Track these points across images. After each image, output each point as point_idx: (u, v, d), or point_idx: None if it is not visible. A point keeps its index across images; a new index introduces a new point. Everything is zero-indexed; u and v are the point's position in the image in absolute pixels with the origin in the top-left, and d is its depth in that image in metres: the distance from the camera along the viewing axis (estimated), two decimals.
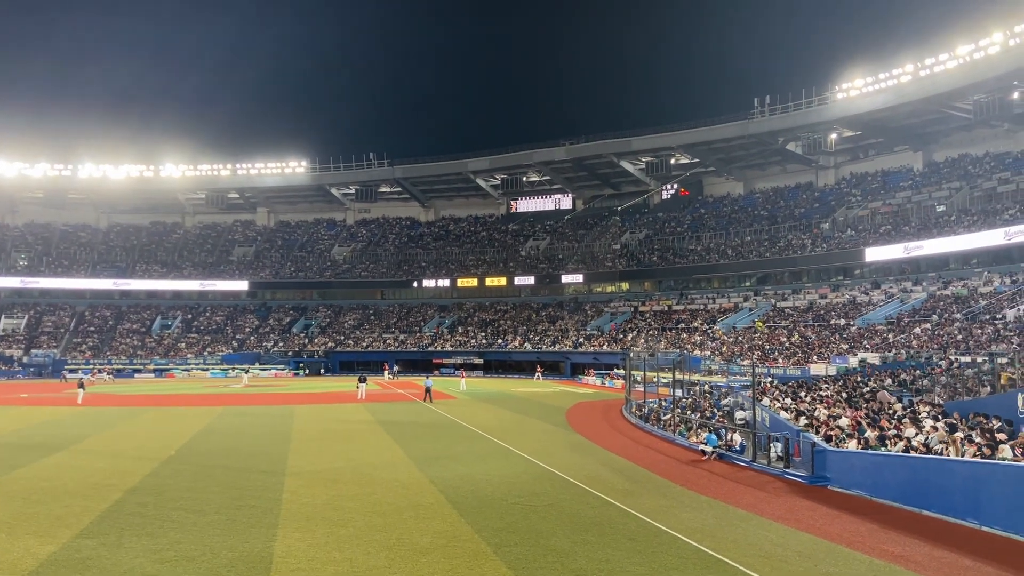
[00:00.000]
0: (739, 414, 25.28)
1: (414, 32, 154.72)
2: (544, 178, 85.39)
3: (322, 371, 71.91)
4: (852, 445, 17.49)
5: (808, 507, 15.06)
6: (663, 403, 30.49)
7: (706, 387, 35.19)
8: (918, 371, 29.85)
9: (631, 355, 39.57)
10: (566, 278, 76.04)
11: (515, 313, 77.22)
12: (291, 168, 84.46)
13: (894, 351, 39.24)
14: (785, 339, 50.49)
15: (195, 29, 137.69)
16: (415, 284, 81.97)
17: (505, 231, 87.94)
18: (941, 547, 11.93)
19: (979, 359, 30.15)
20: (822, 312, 54.39)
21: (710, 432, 22.35)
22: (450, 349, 72.37)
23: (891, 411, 21.04)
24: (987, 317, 41.33)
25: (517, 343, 70.12)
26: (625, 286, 75.37)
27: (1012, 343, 34.16)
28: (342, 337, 76.85)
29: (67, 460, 20.34)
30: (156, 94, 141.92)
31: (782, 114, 63.50)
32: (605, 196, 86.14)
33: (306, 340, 77.52)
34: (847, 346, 44.05)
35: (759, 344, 50.86)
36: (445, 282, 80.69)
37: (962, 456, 14.53)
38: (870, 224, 59.26)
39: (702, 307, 65.74)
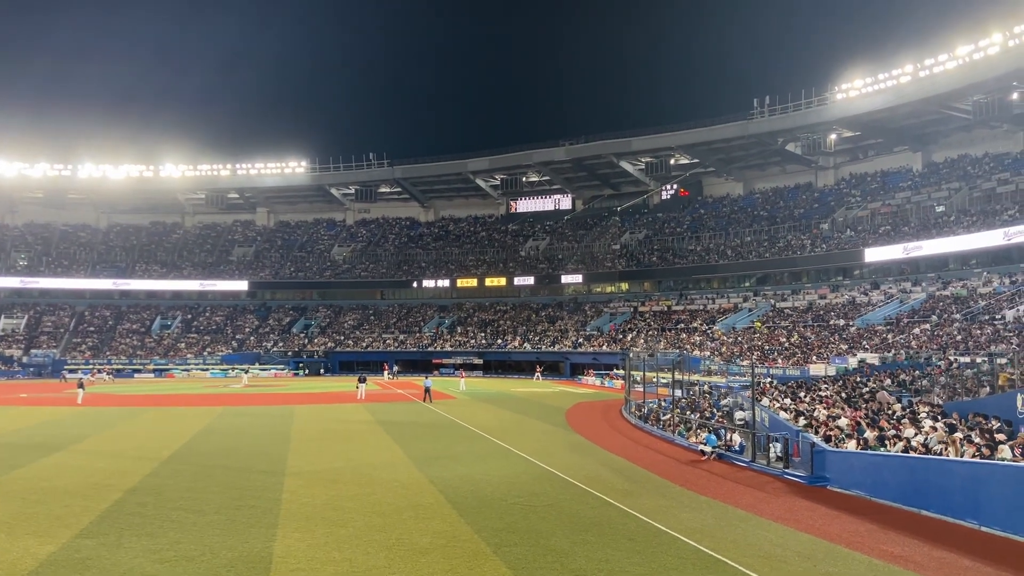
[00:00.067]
0: (738, 414, 25.30)
1: (414, 32, 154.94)
2: (544, 178, 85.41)
3: (322, 371, 71.91)
4: (851, 445, 17.50)
5: (807, 507, 15.06)
6: (662, 403, 30.48)
7: (705, 387, 35.21)
8: (917, 371, 29.86)
9: (631, 355, 39.60)
10: (566, 278, 76.07)
11: (515, 313, 77.24)
12: (291, 168, 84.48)
13: (893, 351, 39.25)
14: (784, 339, 50.51)
15: (195, 29, 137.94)
16: (415, 284, 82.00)
17: (505, 231, 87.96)
18: (940, 547, 11.94)
19: (978, 359, 30.15)
20: (821, 312, 54.41)
21: (709, 432, 22.36)
22: (450, 349, 72.38)
23: (890, 411, 21.06)
24: (986, 317, 41.36)
25: (517, 343, 70.13)
26: (625, 286, 75.39)
27: (1011, 343, 34.18)
28: (342, 337, 76.85)
29: (67, 460, 20.33)
30: (156, 94, 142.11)
31: (782, 114, 63.54)
32: (605, 196, 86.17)
33: (306, 340, 77.52)
34: (846, 346, 44.07)
35: (758, 344, 50.88)
36: (445, 282, 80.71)
37: (961, 456, 14.54)
38: (869, 225, 59.29)
39: (702, 307, 65.75)
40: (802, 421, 21.00)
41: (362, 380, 43.67)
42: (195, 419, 31.26)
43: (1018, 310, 39.93)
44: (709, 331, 58.62)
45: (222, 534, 12.41)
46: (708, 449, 21.21)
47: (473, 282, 79.59)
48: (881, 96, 56.92)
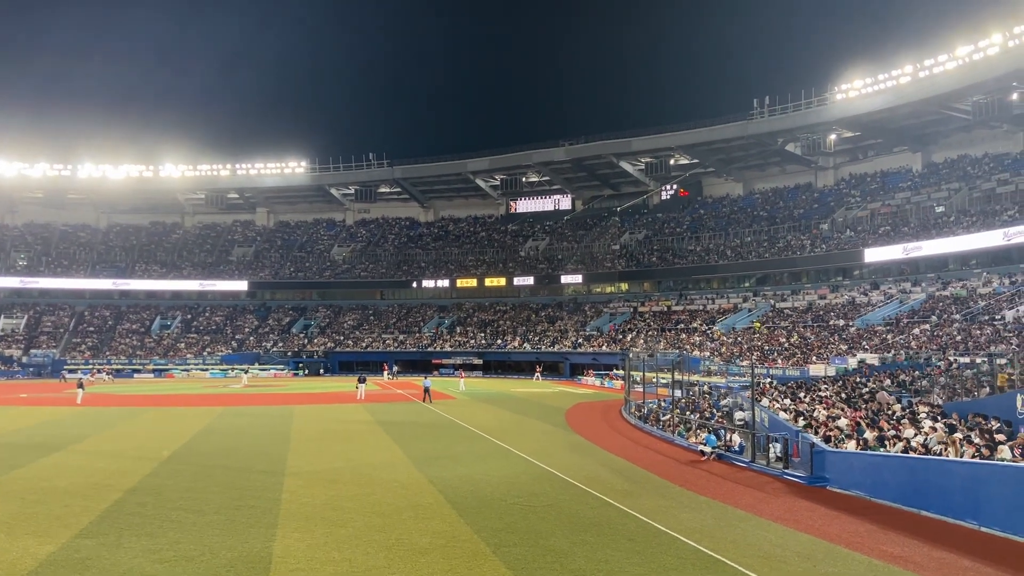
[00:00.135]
0: (738, 414, 25.31)
1: (414, 32, 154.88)
2: (544, 179, 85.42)
3: (321, 371, 71.89)
4: (851, 446, 17.51)
5: (807, 507, 15.06)
6: (662, 404, 30.49)
7: (705, 388, 35.20)
8: (917, 372, 29.86)
9: (630, 355, 39.61)
10: (565, 278, 76.08)
11: (514, 313, 77.23)
12: (291, 168, 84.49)
13: (893, 352, 39.26)
14: (784, 340, 50.51)
15: (195, 29, 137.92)
16: (414, 284, 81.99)
17: (504, 231, 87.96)
18: (940, 548, 11.94)
19: (978, 360, 30.16)
20: (821, 313, 54.41)
21: (709, 432, 22.36)
22: (449, 349, 72.38)
23: (890, 412, 21.06)
24: (986, 318, 41.37)
25: (516, 343, 70.13)
26: (624, 287, 75.39)
27: (1011, 344, 34.20)
28: (341, 337, 76.85)
29: (66, 460, 20.33)
30: (156, 94, 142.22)
31: (781, 115, 63.56)
32: (604, 197, 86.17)
33: (305, 340, 77.52)
34: (846, 347, 44.07)
35: (758, 345, 50.88)
36: (444, 282, 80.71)
37: (961, 457, 14.54)
38: (869, 225, 59.31)
39: (701, 308, 65.76)
40: (802, 421, 21.00)
41: (362, 380, 43.67)
42: (195, 419, 31.25)
43: (1018, 310, 39.94)
44: (709, 331, 58.63)
45: (222, 534, 12.41)
46: (708, 449, 21.22)
47: (473, 282, 79.60)
48: (881, 96, 56.94)
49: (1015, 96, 51.52)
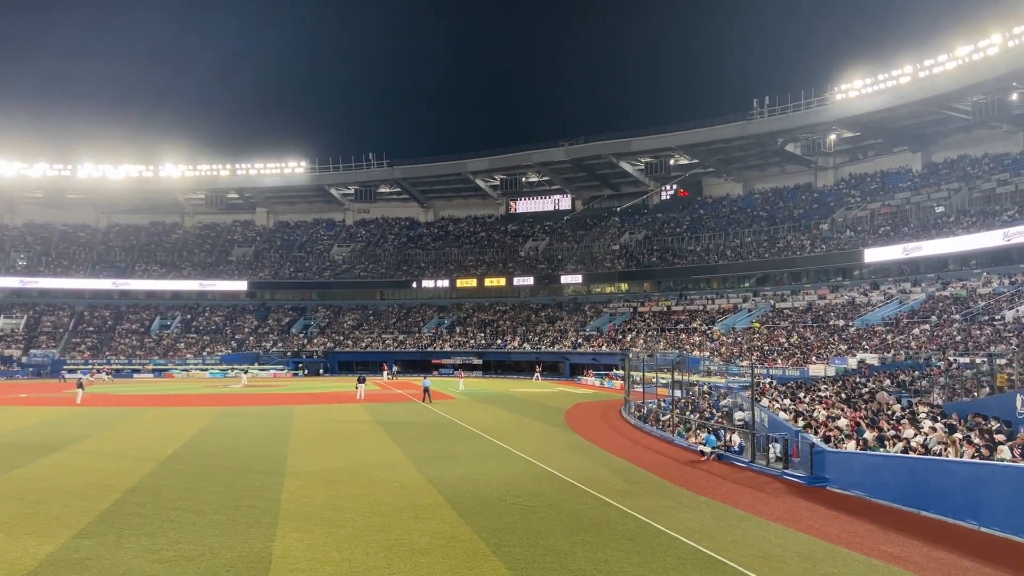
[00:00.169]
0: (738, 415, 25.31)
1: (414, 32, 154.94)
2: (543, 179, 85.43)
3: (321, 371, 71.89)
4: (851, 446, 17.51)
5: (807, 508, 15.06)
6: (662, 404, 30.50)
7: (705, 388, 35.19)
8: (917, 372, 29.87)
9: (630, 356, 39.61)
10: (565, 279, 76.08)
11: (514, 314, 77.23)
12: (290, 168, 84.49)
13: (893, 352, 39.26)
14: (784, 340, 50.51)
15: (195, 29, 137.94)
16: (414, 284, 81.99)
17: (504, 231, 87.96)
18: (940, 548, 11.94)
19: (978, 360, 30.16)
20: (821, 313, 54.41)
21: (709, 433, 22.36)
22: (449, 350, 72.37)
23: (890, 412, 21.06)
24: (986, 318, 41.37)
25: (516, 344, 70.13)
26: (624, 287, 75.39)
27: (1011, 344, 34.20)
28: (341, 337, 76.84)
29: (66, 460, 20.32)
30: (156, 94, 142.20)
31: (781, 115, 63.58)
32: (604, 197, 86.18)
33: (305, 340, 77.51)
34: (846, 347, 44.07)
35: (758, 345, 50.88)
36: (444, 282, 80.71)
37: (961, 457, 14.54)
38: (869, 225, 59.31)
39: (701, 308, 65.76)
40: (801, 422, 21.00)
41: (361, 380, 43.65)
42: (194, 419, 31.25)
43: (1017, 311, 39.94)
44: (708, 331, 58.63)
45: (221, 534, 12.41)
46: (707, 449, 21.21)
47: (472, 282, 79.59)
48: (881, 97, 56.95)
49: (1015, 96, 51.53)
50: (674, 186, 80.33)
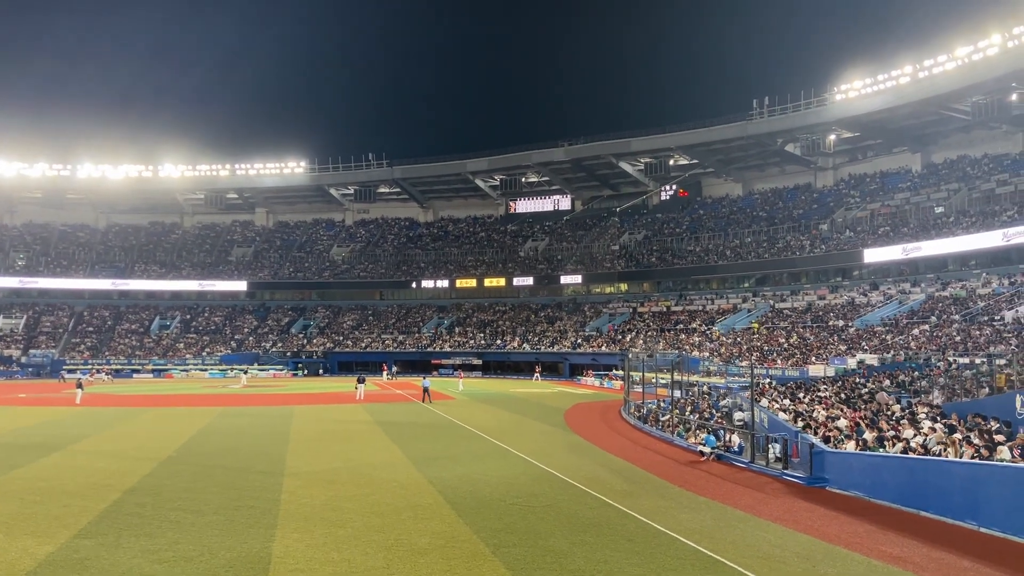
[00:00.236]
0: (737, 415, 25.31)
1: (414, 32, 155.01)
2: (543, 179, 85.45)
3: (321, 372, 71.89)
4: (850, 446, 17.51)
5: (806, 508, 15.06)
6: (662, 404, 30.50)
7: (704, 388, 35.18)
8: (916, 372, 29.87)
9: (630, 356, 39.63)
10: (565, 279, 76.09)
11: (514, 314, 77.23)
12: (290, 168, 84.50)
13: (892, 352, 39.27)
14: (783, 340, 50.52)
15: (194, 29, 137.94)
16: (414, 285, 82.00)
17: (504, 232, 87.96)
18: (939, 548, 11.94)
19: (977, 360, 30.19)
20: (820, 313, 54.42)
21: (708, 433, 22.36)
22: (449, 350, 72.37)
23: (889, 412, 21.06)
24: (985, 318, 41.38)
25: (516, 344, 70.12)
26: (624, 287, 75.40)
27: (1010, 344, 34.20)
28: (341, 338, 76.83)
29: (65, 460, 20.31)
30: (155, 94, 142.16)
31: (781, 115, 63.61)
32: (604, 197, 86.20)
33: (305, 340, 77.50)
34: (845, 347, 44.08)
35: (757, 345, 50.89)
36: (444, 283, 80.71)
37: (960, 457, 14.54)
38: (869, 225, 59.32)
39: (701, 308, 65.77)
40: (801, 422, 21.00)
41: (361, 380, 43.64)
42: (194, 419, 31.23)
43: (1017, 311, 39.95)
44: (708, 332, 58.64)
45: (221, 534, 12.40)
46: (707, 450, 21.21)
47: (472, 283, 79.60)
48: (880, 97, 56.98)
49: (1014, 97, 51.56)
50: (674, 186, 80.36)
